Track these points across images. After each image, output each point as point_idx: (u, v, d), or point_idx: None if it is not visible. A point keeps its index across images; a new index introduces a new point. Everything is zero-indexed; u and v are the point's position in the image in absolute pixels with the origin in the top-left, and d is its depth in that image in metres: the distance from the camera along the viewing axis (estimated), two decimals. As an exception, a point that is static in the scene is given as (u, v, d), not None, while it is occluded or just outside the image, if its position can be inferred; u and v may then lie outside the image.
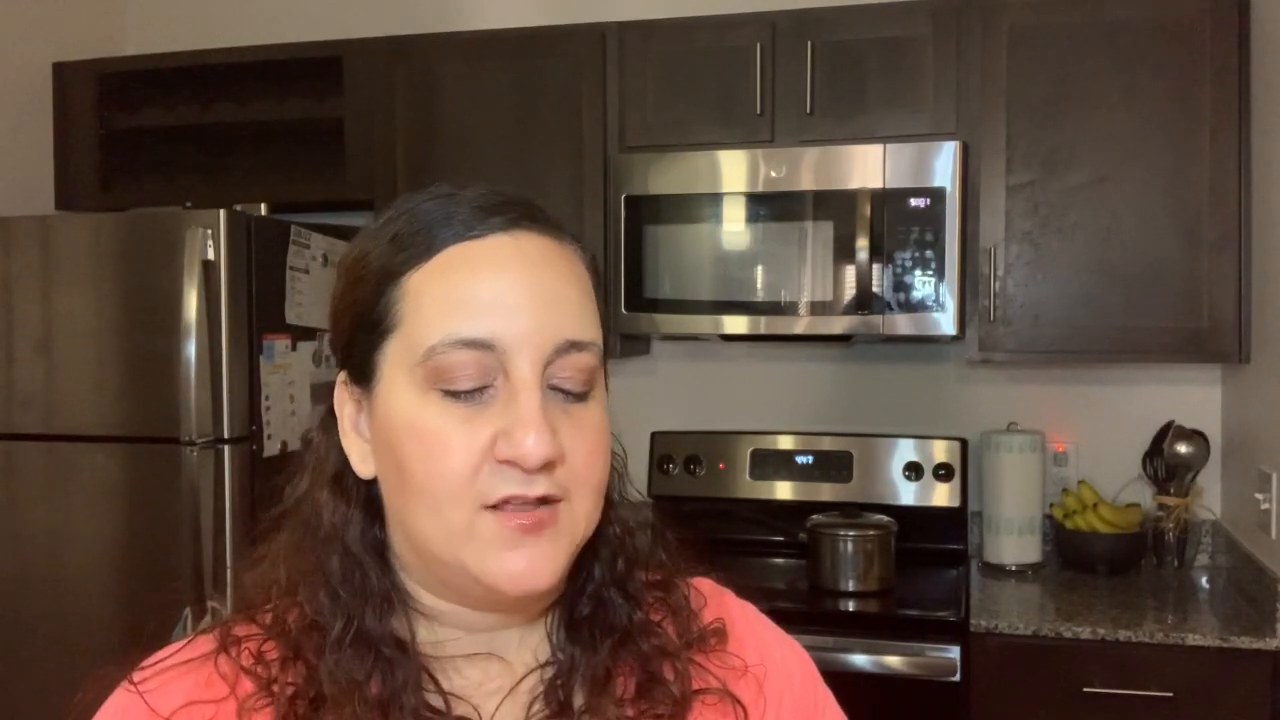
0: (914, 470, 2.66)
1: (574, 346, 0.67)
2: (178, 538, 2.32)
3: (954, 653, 2.12)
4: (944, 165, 2.33)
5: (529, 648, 0.74)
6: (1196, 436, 2.48)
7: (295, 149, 2.89)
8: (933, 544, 2.62)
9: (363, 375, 0.70)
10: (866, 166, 2.36)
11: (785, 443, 2.76)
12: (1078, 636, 2.08)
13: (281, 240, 2.51)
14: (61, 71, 2.98)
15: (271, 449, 2.44)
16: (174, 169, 3.01)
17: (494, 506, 0.65)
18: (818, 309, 2.39)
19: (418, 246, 0.67)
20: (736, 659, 0.78)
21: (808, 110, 2.47)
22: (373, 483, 0.71)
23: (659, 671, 0.73)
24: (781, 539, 2.59)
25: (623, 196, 2.49)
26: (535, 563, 0.66)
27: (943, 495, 2.64)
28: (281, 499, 0.75)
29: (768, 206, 2.43)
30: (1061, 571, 2.52)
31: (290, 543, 0.73)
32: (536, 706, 0.71)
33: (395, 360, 0.67)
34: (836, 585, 2.33)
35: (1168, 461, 2.48)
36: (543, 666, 0.73)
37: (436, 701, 0.69)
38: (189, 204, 2.55)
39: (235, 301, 2.35)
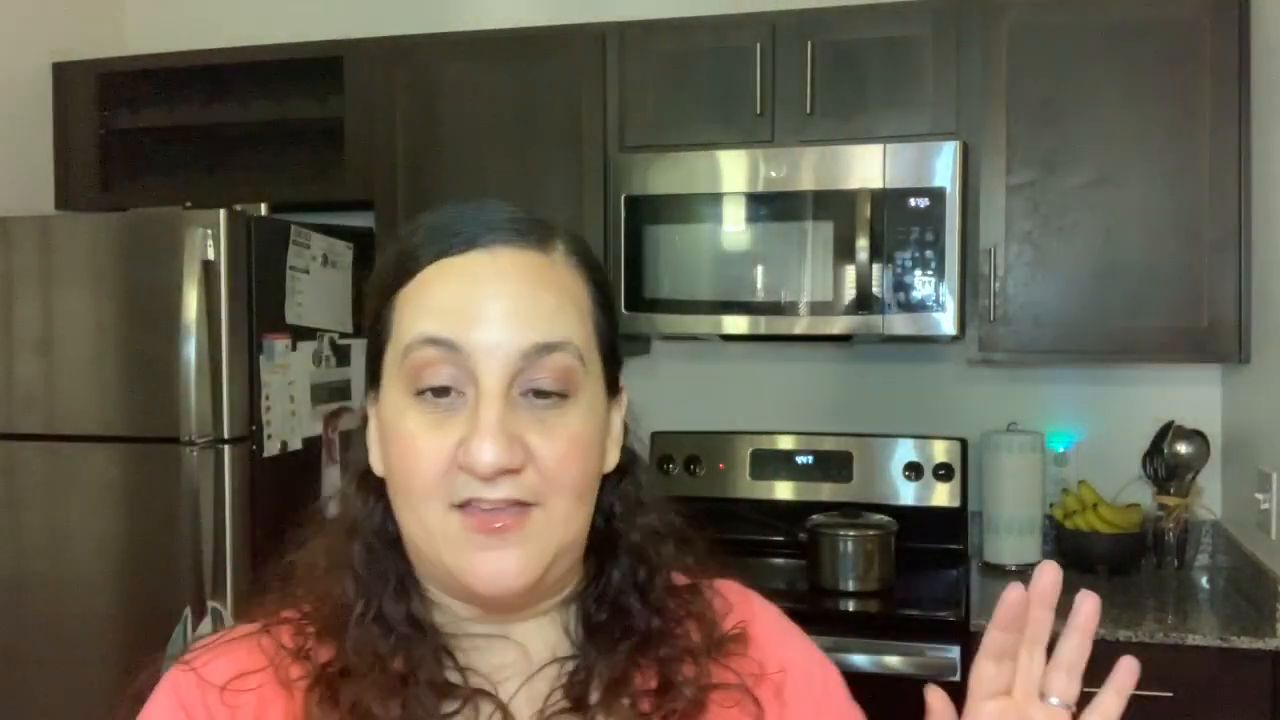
0: (914, 470, 2.66)
1: (545, 349, 0.69)
2: (178, 538, 2.32)
3: (954, 653, 2.12)
4: (944, 165, 2.33)
5: (546, 642, 0.76)
6: (1196, 436, 2.48)
7: (295, 149, 2.89)
8: (933, 544, 2.61)
9: (374, 382, 0.75)
10: (866, 166, 2.36)
11: (785, 443, 2.76)
12: (1078, 636, 2.08)
13: (281, 240, 2.51)
14: (61, 71, 2.98)
15: (271, 449, 2.44)
16: (174, 169, 3.01)
17: (461, 506, 0.69)
18: (818, 309, 2.39)
19: (406, 266, 0.73)
20: (755, 664, 0.78)
21: (808, 110, 2.47)
22: None
23: (676, 674, 0.74)
24: (781, 539, 2.59)
25: (623, 196, 2.49)
26: (505, 565, 0.69)
27: (943, 495, 2.64)
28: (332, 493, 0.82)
29: (768, 206, 2.43)
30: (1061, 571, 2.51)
31: (329, 533, 0.79)
32: (555, 697, 0.73)
33: (390, 367, 0.73)
34: (836, 585, 2.33)
35: (1168, 461, 2.48)
36: (562, 661, 0.75)
37: (455, 678, 0.73)
38: (189, 204, 2.55)
39: (235, 301, 2.35)
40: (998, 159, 2.39)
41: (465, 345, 0.68)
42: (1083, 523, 2.49)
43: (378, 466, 0.75)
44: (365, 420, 0.78)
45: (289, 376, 2.51)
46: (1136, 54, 2.33)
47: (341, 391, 2.70)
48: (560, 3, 2.86)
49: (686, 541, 0.82)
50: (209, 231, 2.32)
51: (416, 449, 0.69)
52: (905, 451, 2.67)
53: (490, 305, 0.69)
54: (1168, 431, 2.49)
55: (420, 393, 0.70)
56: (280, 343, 2.48)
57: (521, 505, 0.69)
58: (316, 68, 2.78)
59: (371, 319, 0.75)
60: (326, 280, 2.65)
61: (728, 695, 0.75)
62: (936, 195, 2.33)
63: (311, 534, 0.80)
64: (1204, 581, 2.45)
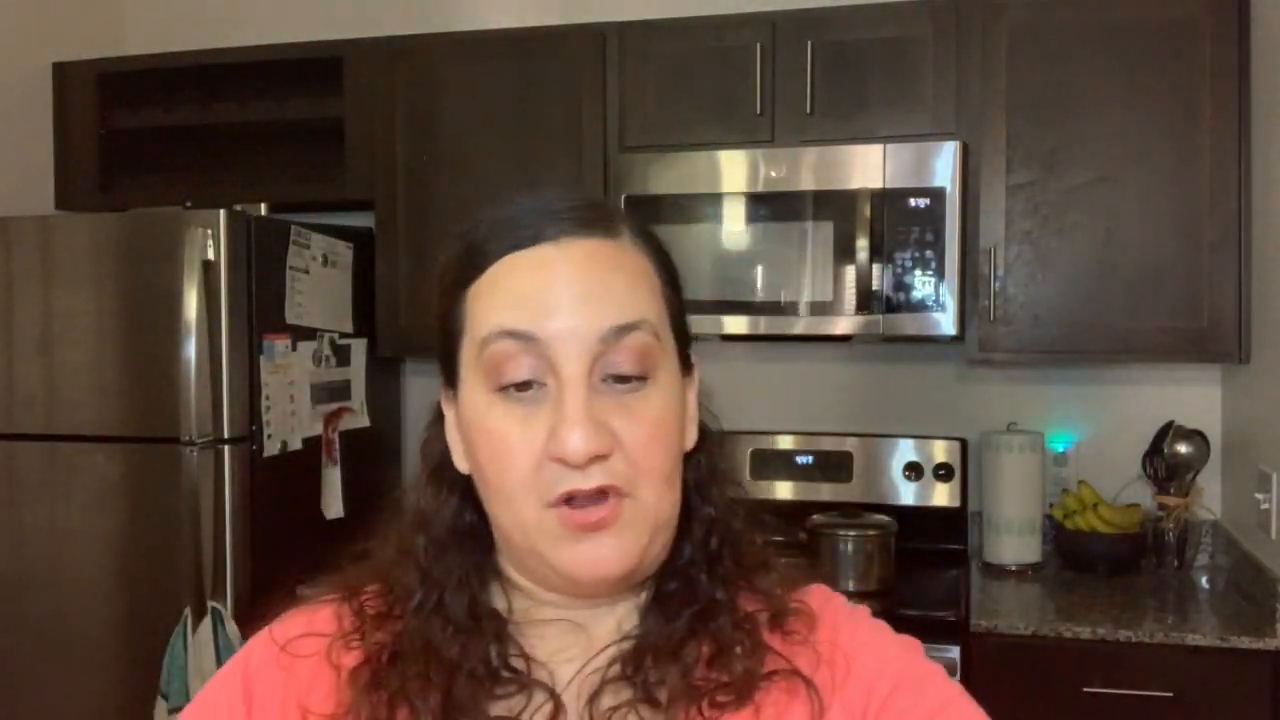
0: (914, 470, 2.66)
1: (621, 331, 0.70)
2: (178, 538, 2.32)
3: (954, 653, 2.12)
4: (944, 165, 2.33)
5: (616, 620, 0.77)
6: (1196, 436, 2.48)
7: (295, 149, 2.89)
8: (933, 544, 2.62)
9: (450, 379, 0.76)
10: (866, 166, 2.36)
11: (785, 443, 2.76)
12: (1078, 636, 2.08)
13: (281, 240, 2.51)
14: (61, 71, 2.98)
15: (271, 449, 2.44)
16: (174, 169, 3.01)
17: (557, 504, 0.69)
18: (818, 309, 2.39)
19: (476, 261, 0.73)
20: (817, 649, 0.75)
21: (808, 110, 2.47)
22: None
23: (731, 646, 0.74)
24: (781, 539, 2.59)
25: (623, 196, 2.49)
26: (604, 554, 0.70)
27: (943, 495, 2.64)
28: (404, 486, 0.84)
29: (768, 206, 2.43)
30: (1061, 571, 2.52)
31: (401, 523, 0.81)
32: (612, 670, 0.74)
33: (467, 363, 0.73)
34: (837, 585, 2.27)
35: (1168, 461, 2.48)
36: (624, 639, 0.75)
37: (518, 664, 0.75)
38: (189, 204, 2.55)
39: (235, 301, 2.35)
40: (998, 159, 2.39)
41: (543, 335, 0.69)
42: (1083, 523, 2.49)
43: (462, 464, 0.76)
44: (440, 417, 0.79)
45: (289, 376, 2.51)
46: (1136, 54, 2.33)
47: (341, 391, 2.70)
48: (560, 3, 2.86)
49: (757, 517, 0.82)
50: (209, 231, 2.32)
51: (507, 448, 0.70)
52: (905, 451, 2.67)
53: (564, 293, 0.70)
54: (1168, 431, 2.49)
55: (502, 389, 0.70)
56: (280, 343, 2.48)
57: (615, 495, 0.69)
58: (316, 68, 2.78)
59: (441, 317, 0.76)
60: (326, 280, 2.65)
61: (784, 679, 0.73)
62: (936, 195, 2.33)
63: (389, 520, 0.82)
64: (1204, 581, 2.45)
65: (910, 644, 0.79)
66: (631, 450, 0.69)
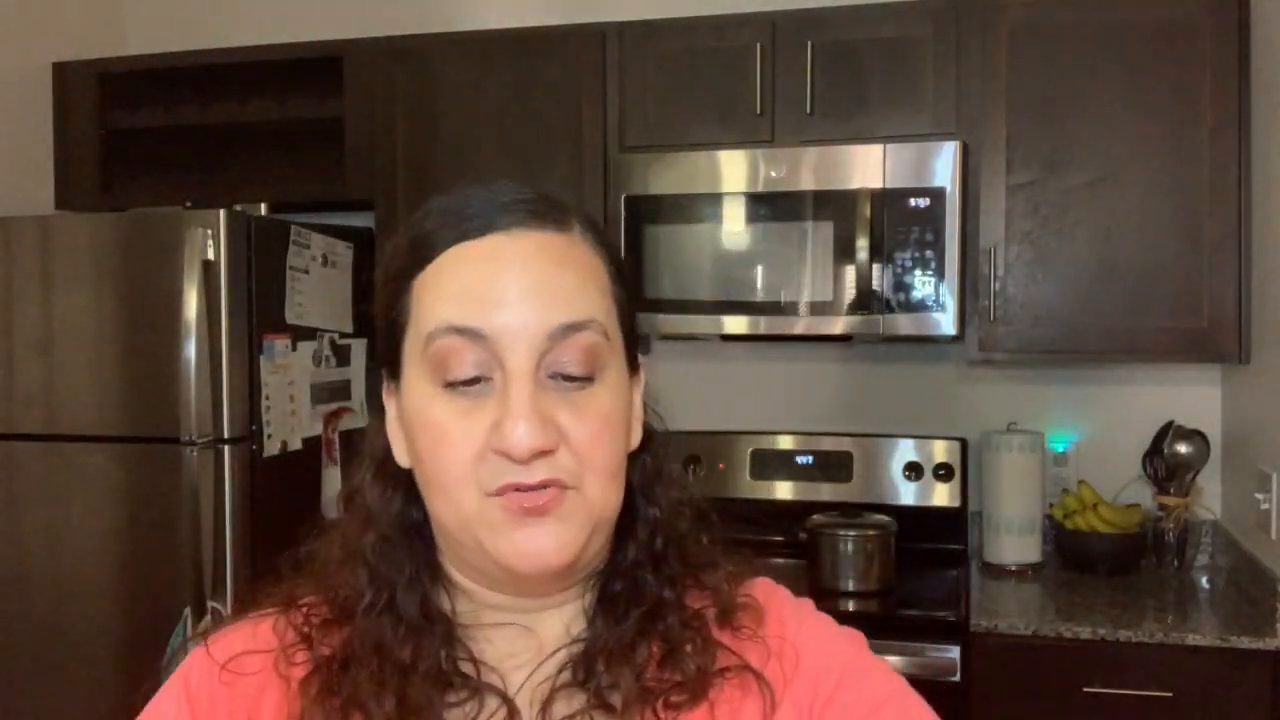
0: (914, 470, 2.66)
1: (569, 329, 0.69)
2: (178, 538, 2.32)
3: (954, 653, 2.12)
4: (944, 165, 2.33)
5: (563, 623, 0.76)
6: (1196, 436, 2.48)
7: (295, 149, 2.89)
8: (933, 544, 2.61)
9: (393, 371, 0.74)
10: (866, 166, 2.36)
11: (785, 443, 2.76)
12: (1078, 636, 2.08)
13: (281, 240, 2.51)
14: (61, 71, 2.98)
15: (271, 449, 2.44)
16: (174, 169, 3.01)
17: (498, 493, 0.68)
18: (818, 309, 2.39)
19: (422, 252, 0.72)
20: (766, 647, 0.76)
21: (808, 110, 2.47)
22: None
23: (681, 645, 0.74)
24: (781, 539, 2.59)
25: (623, 196, 2.49)
26: (545, 542, 0.69)
27: (943, 495, 2.64)
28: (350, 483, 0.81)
29: (768, 206, 2.43)
30: (1061, 571, 2.52)
31: (346, 522, 0.79)
32: (563, 676, 0.73)
33: (411, 355, 0.72)
34: (836, 585, 2.33)
35: (1168, 461, 2.48)
36: (573, 642, 0.75)
37: (468, 669, 0.73)
38: (189, 204, 2.55)
39: (235, 301, 2.35)
40: (998, 159, 2.39)
41: (490, 331, 0.68)
42: (1083, 523, 2.49)
43: (403, 458, 0.75)
44: (382, 411, 0.77)
45: (289, 376, 2.51)
46: (1136, 54, 2.33)
47: (341, 391, 2.70)
48: (560, 3, 2.86)
49: (704, 516, 0.81)
50: (209, 231, 2.32)
51: (448, 438, 0.68)
52: (905, 451, 2.67)
53: (512, 287, 0.68)
54: (1168, 431, 2.49)
55: (448, 385, 0.69)
56: (280, 343, 2.48)
57: (559, 487, 0.68)
58: (316, 68, 2.78)
59: (385, 308, 0.74)
60: (326, 280, 2.65)
61: (736, 675, 0.74)
62: (936, 195, 2.33)
63: (333, 523, 0.80)
64: (1204, 581, 2.45)
65: (854, 637, 0.80)
66: (577, 445, 0.69)
